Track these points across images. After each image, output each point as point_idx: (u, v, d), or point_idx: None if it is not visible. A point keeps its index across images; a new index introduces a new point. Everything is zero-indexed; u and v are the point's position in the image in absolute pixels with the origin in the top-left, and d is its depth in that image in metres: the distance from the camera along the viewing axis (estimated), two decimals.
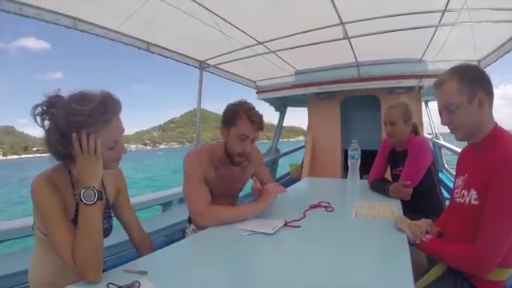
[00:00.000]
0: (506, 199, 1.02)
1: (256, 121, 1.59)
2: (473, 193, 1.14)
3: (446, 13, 2.98)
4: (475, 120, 1.14)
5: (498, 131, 1.15)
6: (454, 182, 1.35)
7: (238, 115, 1.58)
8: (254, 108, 1.62)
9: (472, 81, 1.13)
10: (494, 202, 1.04)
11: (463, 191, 1.21)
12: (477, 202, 1.12)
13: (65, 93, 1.01)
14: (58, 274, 1.08)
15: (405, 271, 0.95)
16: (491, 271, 1.06)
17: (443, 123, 1.23)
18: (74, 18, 2.77)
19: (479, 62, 4.45)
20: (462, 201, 1.20)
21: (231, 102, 1.65)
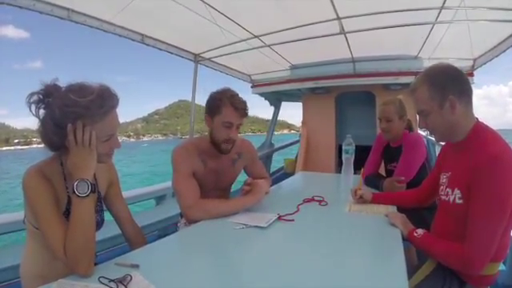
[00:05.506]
0: (490, 199, 1.03)
1: (240, 107, 1.58)
2: (456, 192, 1.16)
3: (442, 10, 2.98)
4: (449, 123, 1.16)
5: (479, 128, 1.16)
6: (432, 176, 1.39)
7: (222, 103, 1.56)
8: (237, 94, 1.60)
9: (442, 85, 1.14)
10: (479, 203, 1.05)
11: (447, 189, 1.23)
12: (461, 201, 1.14)
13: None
14: (49, 267, 1.06)
15: (399, 267, 0.96)
16: (481, 270, 1.06)
17: (420, 127, 1.28)
18: (69, 10, 2.73)
19: (475, 60, 4.46)
20: (447, 199, 1.22)
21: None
